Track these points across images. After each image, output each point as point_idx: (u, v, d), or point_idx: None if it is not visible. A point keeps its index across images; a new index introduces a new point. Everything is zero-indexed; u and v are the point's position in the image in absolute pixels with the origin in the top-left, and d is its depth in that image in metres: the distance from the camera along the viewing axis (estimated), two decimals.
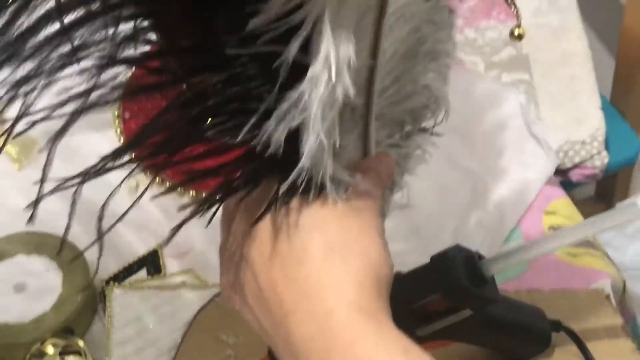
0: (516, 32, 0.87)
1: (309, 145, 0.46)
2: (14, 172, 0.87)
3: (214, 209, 0.53)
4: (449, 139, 0.91)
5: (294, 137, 0.46)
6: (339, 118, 0.50)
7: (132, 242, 0.83)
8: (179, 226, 0.52)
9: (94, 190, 0.84)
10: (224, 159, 0.50)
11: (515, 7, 0.82)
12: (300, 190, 0.49)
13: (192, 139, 0.50)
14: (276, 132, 0.45)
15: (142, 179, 0.86)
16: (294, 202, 0.50)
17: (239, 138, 0.47)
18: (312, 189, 0.49)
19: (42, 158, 0.90)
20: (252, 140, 0.47)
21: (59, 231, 0.80)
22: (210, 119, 0.49)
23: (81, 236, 0.78)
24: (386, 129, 0.60)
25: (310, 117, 0.45)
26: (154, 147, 0.49)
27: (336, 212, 0.50)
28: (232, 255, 0.54)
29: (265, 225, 0.51)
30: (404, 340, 0.47)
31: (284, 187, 0.48)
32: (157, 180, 0.86)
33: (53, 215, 0.82)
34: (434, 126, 0.62)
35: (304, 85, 0.44)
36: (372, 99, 0.54)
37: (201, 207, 0.53)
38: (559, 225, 0.84)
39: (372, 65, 0.51)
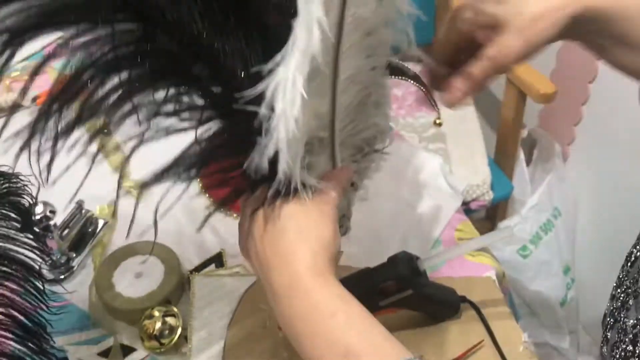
0: (437, 122, 0.87)
1: (281, 167, 0.46)
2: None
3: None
4: (397, 185, 0.91)
5: (275, 162, 0.46)
6: (309, 146, 0.51)
7: (207, 247, 0.82)
8: (205, 221, 0.53)
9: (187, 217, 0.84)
10: (234, 174, 0.51)
11: (436, 105, 0.84)
12: (282, 194, 0.49)
13: (214, 159, 0.51)
14: (262, 160, 0.46)
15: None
16: (279, 200, 0.49)
17: (245, 165, 0.47)
18: (291, 193, 0.49)
19: (152, 196, 0.90)
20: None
21: (163, 241, 0.80)
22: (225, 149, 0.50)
23: (175, 245, 0.79)
24: (349, 151, 0.58)
25: (281, 150, 0.45)
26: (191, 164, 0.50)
27: (305, 206, 0.50)
28: (244, 231, 0.53)
29: (261, 214, 0.50)
30: (340, 289, 0.48)
31: (270, 193, 0.49)
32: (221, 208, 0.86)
33: (160, 233, 0.82)
34: (383, 148, 0.60)
35: (273, 130, 0.44)
36: (335, 133, 0.53)
37: (220, 205, 0.54)
38: (464, 238, 0.84)
39: (332, 112, 0.50)
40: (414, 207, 0.86)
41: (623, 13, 0.51)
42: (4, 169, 0.55)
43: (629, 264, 0.51)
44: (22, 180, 0.57)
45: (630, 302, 0.49)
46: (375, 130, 0.59)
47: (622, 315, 0.50)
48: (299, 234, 0.49)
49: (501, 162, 1.36)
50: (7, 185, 0.55)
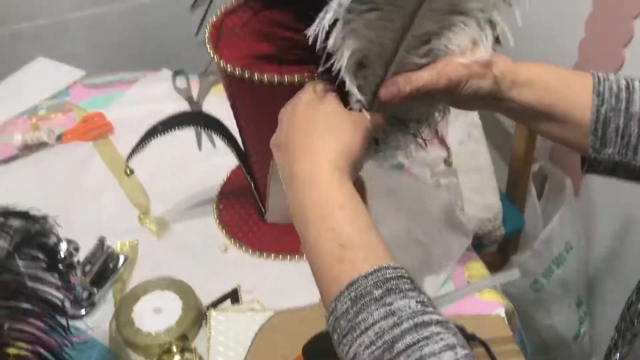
0: (448, 161, 0.90)
1: (332, 38, 0.51)
2: (155, 241, 0.89)
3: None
4: (410, 222, 0.92)
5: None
6: (359, 68, 0.55)
7: (224, 284, 0.84)
8: None
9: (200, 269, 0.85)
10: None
11: (446, 144, 0.86)
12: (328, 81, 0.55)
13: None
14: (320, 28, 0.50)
15: (229, 244, 0.89)
16: (324, 90, 0.55)
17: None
18: (337, 81, 0.54)
19: (171, 232, 0.93)
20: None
21: (181, 277, 0.83)
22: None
23: (192, 280, 0.81)
24: (392, 110, 0.60)
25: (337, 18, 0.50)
26: None
27: (341, 112, 0.54)
28: (281, 124, 0.57)
29: (302, 104, 0.55)
30: (353, 190, 0.51)
31: (320, 69, 0.54)
32: (237, 244, 0.89)
33: (178, 269, 0.84)
34: (423, 139, 0.64)
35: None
36: (387, 75, 0.56)
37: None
38: (473, 276, 0.84)
39: (394, 54, 0.54)
40: (423, 246, 0.87)
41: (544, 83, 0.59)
42: (34, 211, 0.58)
43: (627, 308, 0.53)
44: (49, 221, 0.59)
45: (620, 341, 0.51)
46: (423, 115, 0.62)
47: (611, 353, 0.51)
48: (329, 133, 0.53)
49: (513, 196, 1.37)
50: (36, 227, 0.57)
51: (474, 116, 1.49)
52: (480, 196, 1.28)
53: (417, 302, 0.43)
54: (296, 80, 0.67)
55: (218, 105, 1.11)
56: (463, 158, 1.35)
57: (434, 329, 0.41)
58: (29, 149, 1.03)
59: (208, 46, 0.72)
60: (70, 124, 1.08)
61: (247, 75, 0.68)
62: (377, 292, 0.44)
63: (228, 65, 0.69)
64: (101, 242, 0.84)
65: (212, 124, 0.82)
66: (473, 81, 0.57)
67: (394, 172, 1.07)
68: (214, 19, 0.76)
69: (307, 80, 0.65)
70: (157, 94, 1.15)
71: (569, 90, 0.59)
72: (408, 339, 0.41)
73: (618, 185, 1.34)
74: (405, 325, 0.42)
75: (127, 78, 1.19)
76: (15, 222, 0.55)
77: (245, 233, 0.89)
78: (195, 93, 1.15)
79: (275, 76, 0.67)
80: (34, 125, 1.07)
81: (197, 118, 0.83)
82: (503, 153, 1.53)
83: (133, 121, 1.07)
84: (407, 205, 0.95)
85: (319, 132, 0.53)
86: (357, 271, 0.45)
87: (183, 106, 1.13)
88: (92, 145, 1.04)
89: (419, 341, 0.41)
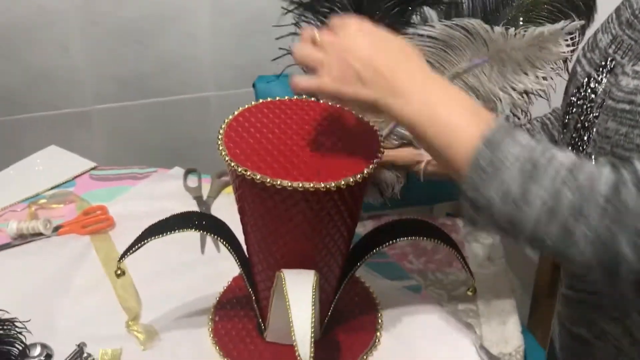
0: (470, 290, 0.83)
1: None
2: (140, 351, 0.80)
3: None
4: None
5: None
6: None
7: None
8: None
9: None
10: None
11: (471, 272, 0.80)
12: None
13: None
14: None
15: None
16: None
17: None
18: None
19: (160, 343, 0.84)
20: None
21: None
22: None
23: None
24: None
25: None
26: None
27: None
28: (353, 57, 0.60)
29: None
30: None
31: None
32: None
33: None
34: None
35: None
36: None
37: None
38: None
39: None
40: None
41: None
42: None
43: None
44: (17, 326, 0.52)
45: None
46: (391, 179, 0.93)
47: None
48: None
49: (534, 329, 1.28)
50: None
51: (495, 238, 1.43)
52: (500, 327, 1.19)
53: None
54: (309, 186, 0.62)
55: (227, 208, 1.06)
56: (483, 283, 1.27)
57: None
58: (23, 238, 0.98)
59: (219, 144, 0.68)
60: (70, 215, 1.03)
61: (258, 178, 0.63)
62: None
63: (239, 167, 0.64)
64: (80, 348, 0.75)
65: (215, 227, 0.76)
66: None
67: (409, 294, 1.00)
68: (230, 118, 0.72)
69: (320, 187, 0.61)
70: (165, 191, 1.10)
71: None
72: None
73: None
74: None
75: (137, 173, 1.15)
76: None
77: (241, 351, 0.80)
78: (205, 193, 1.10)
79: (289, 182, 0.62)
80: (32, 214, 1.02)
81: (199, 219, 0.77)
82: (526, 284, 1.46)
83: (136, 218, 1.01)
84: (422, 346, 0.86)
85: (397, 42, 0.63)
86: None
87: (191, 206, 1.08)
88: (89, 240, 0.98)
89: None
